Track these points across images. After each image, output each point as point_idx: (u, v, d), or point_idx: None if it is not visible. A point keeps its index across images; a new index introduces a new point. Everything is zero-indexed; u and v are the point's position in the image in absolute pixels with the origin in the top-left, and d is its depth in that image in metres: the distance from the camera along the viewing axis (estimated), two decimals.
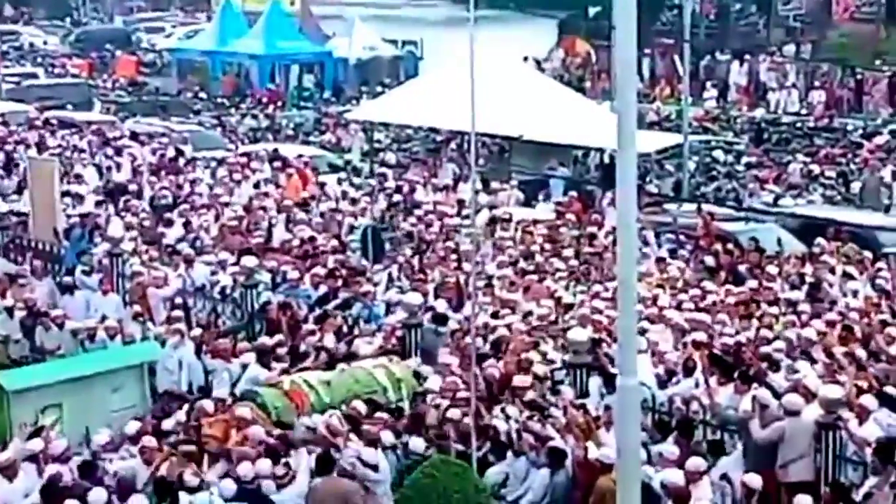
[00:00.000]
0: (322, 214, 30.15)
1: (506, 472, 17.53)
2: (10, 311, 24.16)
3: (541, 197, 34.98)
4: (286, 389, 18.87)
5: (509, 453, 17.68)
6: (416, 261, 26.27)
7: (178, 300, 23.93)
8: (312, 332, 21.83)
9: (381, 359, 20.13)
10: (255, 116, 51.62)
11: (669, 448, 16.93)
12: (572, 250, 27.14)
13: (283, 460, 16.88)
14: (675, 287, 24.57)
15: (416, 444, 17.48)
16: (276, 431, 17.69)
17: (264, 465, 16.79)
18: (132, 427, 18.37)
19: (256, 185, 33.47)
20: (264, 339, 21.58)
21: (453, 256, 26.37)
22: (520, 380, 18.97)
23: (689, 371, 19.49)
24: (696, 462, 16.46)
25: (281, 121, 50.89)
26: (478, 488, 15.42)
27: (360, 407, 18.30)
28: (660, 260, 26.69)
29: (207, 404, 18.61)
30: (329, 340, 21.57)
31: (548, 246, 27.59)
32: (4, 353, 23.89)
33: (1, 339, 23.96)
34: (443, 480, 15.12)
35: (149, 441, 17.55)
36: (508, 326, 21.62)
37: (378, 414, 18.28)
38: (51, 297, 24.84)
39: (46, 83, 55.14)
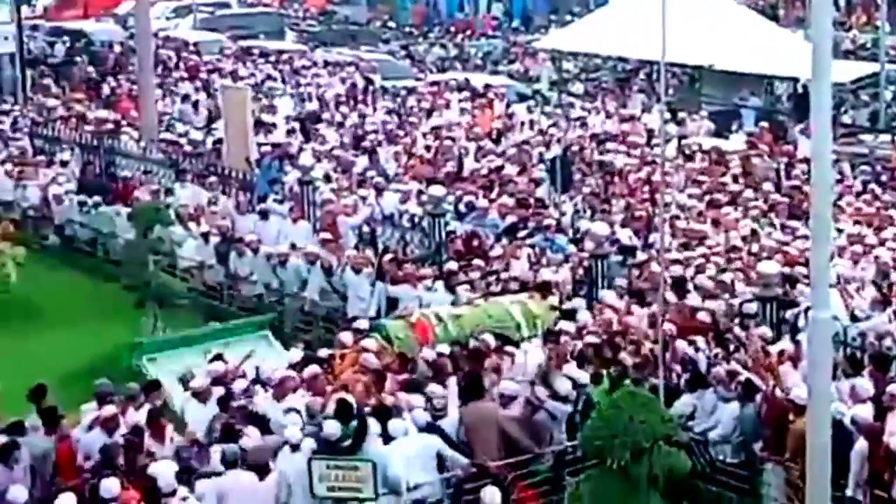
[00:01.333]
0: (512, 144, 30.16)
1: (694, 403, 17.42)
2: (205, 236, 24.71)
3: (734, 127, 34.46)
4: (412, 321, 18.88)
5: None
6: (604, 191, 26.14)
7: (367, 228, 24.20)
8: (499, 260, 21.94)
9: (521, 295, 19.97)
10: (443, 46, 51.75)
11: (863, 383, 16.61)
12: (770, 183, 26.69)
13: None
14: (874, 222, 24.01)
15: (581, 375, 17.48)
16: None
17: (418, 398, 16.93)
18: (296, 355, 18.56)
19: (439, 113, 33.60)
20: (453, 265, 21.76)
21: (644, 187, 26.15)
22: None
23: (882, 306, 19.10)
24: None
25: (469, 50, 50.92)
26: (664, 419, 15.31)
27: (490, 340, 18.31)
28: (857, 193, 26.15)
29: (346, 336, 18.75)
30: (518, 269, 21.64)
31: (740, 177, 27.19)
32: (200, 278, 24.50)
33: (196, 265, 24.57)
34: (629, 411, 14.99)
35: (312, 370, 17.74)
36: (705, 257, 21.41)
37: (507, 348, 18.24)
38: (254, 226, 25.26)
39: (239, 12, 55.92)
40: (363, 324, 19.36)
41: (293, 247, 23.54)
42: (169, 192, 27.21)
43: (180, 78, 39.05)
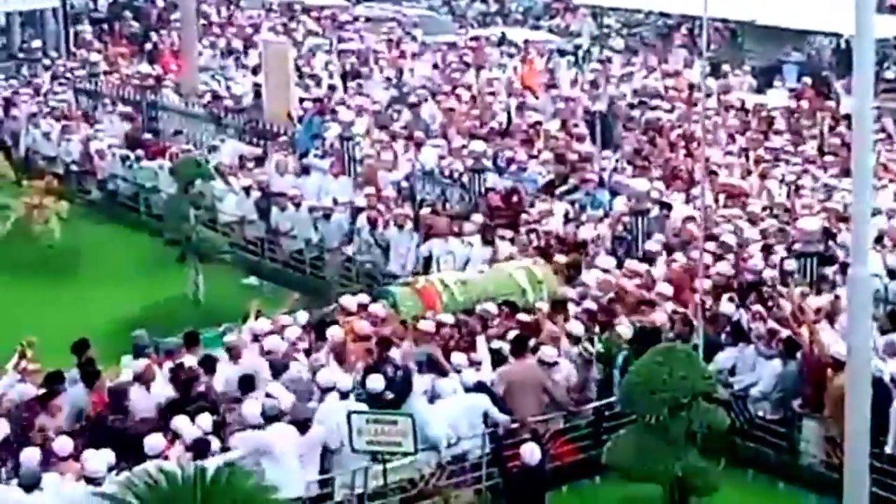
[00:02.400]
0: (553, 100, 30.07)
1: (735, 358, 17.42)
2: (246, 191, 24.78)
3: (776, 83, 34.20)
4: (419, 288, 18.77)
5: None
6: (644, 147, 26.04)
7: (406, 183, 24.23)
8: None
9: (525, 260, 19.92)
10: (484, 0, 51.48)
11: None
12: (811, 138, 26.54)
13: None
14: None
15: (624, 331, 17.53)
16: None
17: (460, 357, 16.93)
18: (302, 317, 18.44)
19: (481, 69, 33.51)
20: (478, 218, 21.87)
21: (683, 143, 26.04)
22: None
23: None
24: None
25: (510, 5, 50.62)
26: (703, 375, 15.35)
27: (491, 308, 18.13)
28: None
29: (349, 301, 18.52)
30: (554, 224, 21.66)
31: (784, 133, 27.04)
32: (240, 233, 24.59)
33: (237, 220, 24.65)
34: (668, 366, 15.07)
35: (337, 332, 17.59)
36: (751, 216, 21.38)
37: (519, 316, 18.07)
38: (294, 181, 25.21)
39: None
40: (363, 297, 18.93)
41: (335, 202, 23.62)
42: (212, 149, 27.26)
43: (223, 34, 39.06)
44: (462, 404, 16.23)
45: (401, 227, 22.27)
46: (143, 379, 16.39)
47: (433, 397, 16.25)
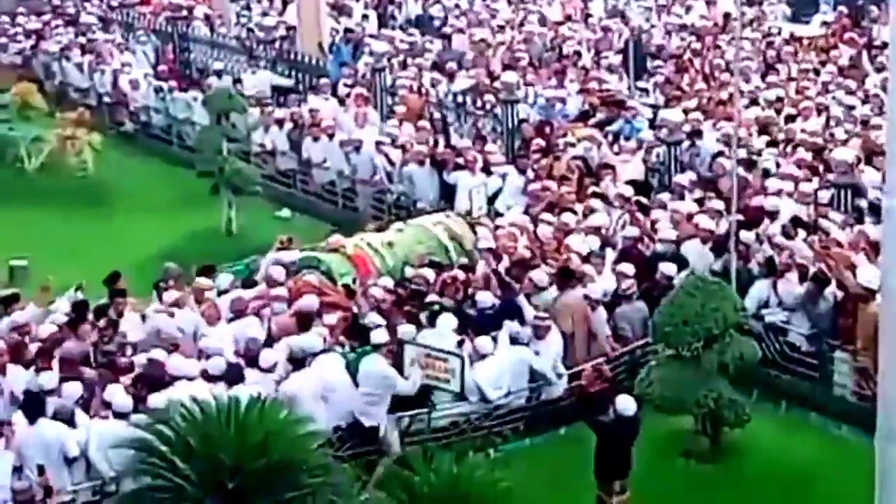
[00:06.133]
0: (588, 30, 29.85)
1: (767, 291, 17.33)
2: (280, 122, 24.72)
3: (822, 7, 33.75)
4: (349, 254, 18.18)
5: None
6: (678, 78, 25.85)
7: (438, 115, 24.14)
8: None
9: (439, 216, 19.52)
10: None
11: None
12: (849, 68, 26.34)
13: None
14: None
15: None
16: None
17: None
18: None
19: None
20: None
21: (719, 74, 25.83)
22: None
23: None
24: None
25: None
26: (736, 307, 15.31)
27: (429, 275, 17.57)
28: None
29: (277, 271, 17.76)
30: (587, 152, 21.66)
31: (826, 64, 26.83)
32: (273, 165, 24.57)
33: (269, 151, 24.63)
34: (701, 298, 15.04)
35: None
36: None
37: (450, 273, 17.60)
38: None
39: None
40: (292, 255, 18.41)
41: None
42: (238, 81, 27.19)
43: None
44: (504, 360, 16.10)
45: (421, 163, 22.22)
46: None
47: (474, 359, 16.02)
